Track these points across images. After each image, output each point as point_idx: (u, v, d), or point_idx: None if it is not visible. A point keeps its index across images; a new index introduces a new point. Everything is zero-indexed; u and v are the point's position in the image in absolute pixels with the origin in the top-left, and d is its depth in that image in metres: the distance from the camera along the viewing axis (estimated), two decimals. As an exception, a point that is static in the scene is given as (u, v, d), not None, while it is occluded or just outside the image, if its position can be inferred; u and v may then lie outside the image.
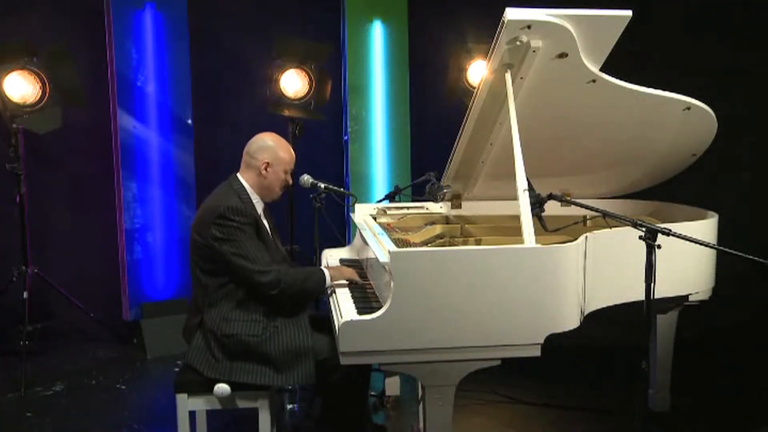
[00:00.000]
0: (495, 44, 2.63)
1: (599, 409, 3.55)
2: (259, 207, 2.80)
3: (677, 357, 3.39)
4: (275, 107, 4.72)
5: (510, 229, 3.01)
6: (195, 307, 2.74)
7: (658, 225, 2.33)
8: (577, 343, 4.01)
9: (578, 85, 2.87)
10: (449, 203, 3.61)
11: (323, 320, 2.86)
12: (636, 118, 3.14)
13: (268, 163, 2.76)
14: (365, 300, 2.68)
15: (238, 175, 2.80)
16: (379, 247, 2.66)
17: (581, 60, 2.73)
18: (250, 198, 2.75)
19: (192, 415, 2.71)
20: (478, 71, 5.02)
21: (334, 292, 2.76)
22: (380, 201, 3.98)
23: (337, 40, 5.30)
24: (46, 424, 3.52)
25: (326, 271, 2.78)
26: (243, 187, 2.76)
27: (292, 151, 2.85)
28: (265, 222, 2.84)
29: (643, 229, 2.28)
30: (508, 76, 2.72)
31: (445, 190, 3.24)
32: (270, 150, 2.78)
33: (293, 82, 4.71)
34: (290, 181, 2.86)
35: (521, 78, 2.78)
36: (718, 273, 3.23)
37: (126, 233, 4.63)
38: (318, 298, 3.26)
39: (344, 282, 2.86)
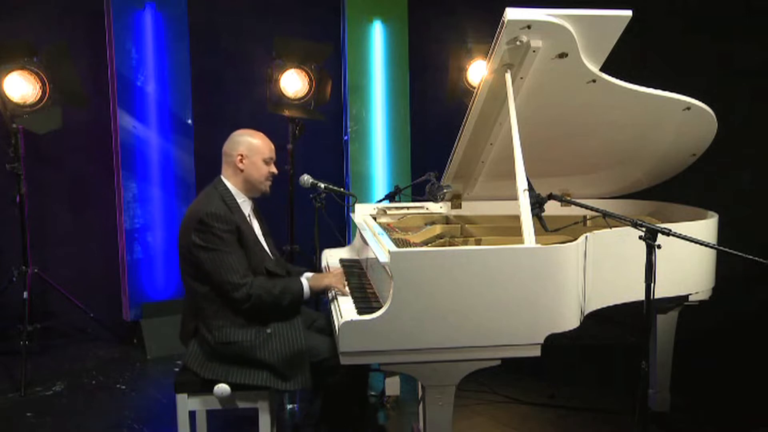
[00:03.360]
0: (495, 44, 2.63)
1: (599, 409, 3.55)
2: (246, 208, 2.76)
3: (677, 357, 3.39)
4: (275, 107, 4.72)
5: (510, 229, 3.01)
6: (188, 313, 2.72)
7: (658, 225, 2.33)
8: (577, 343, 4.04)
9: (578, 85, 2.88)
10: (449, 203, 3.61)
11: (321, 321, 2.86)
12: (636, 118, 3.14)
13: (242, 154, 2.72)
14: (365, 300, 2.68)
15: (222, 177, 2.76)
16: (379, 247, 2.65)
17: (581, 60, 2.73)
18: (234, 199, 2.71)
19: (192, 415, 2.71)
20: (478, 71, 5.03)
21: (335, 295, 2.75)
22: (380, 201, 3.98)
23: (337, 40, 5.30)
24: (46, 424, 3.52)
25: (305, 283, 2.71)
26: (227, 188, 2.72)
27: (267, 139, 2.79)
28: (254, 223, 2.80)
29: (643, 229, 2.28)
30: (508, 76, 2.72)
31: (445, 190, 3.24)
32: (242, 141, 2.74)
33: (293, 82, 4.71)
34: (275, 171, 2.80)
35: (521, 78, 2.78)
36: (718, 273, 3.23)
37: (126, 233, 4.63)
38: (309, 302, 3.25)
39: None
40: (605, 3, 2.64)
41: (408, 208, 3.65)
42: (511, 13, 2.52)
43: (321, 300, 3.28)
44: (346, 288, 2.79)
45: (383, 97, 5.31)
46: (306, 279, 2.75)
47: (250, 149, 2.73)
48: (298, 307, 2.74)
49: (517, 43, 2.62)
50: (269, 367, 2.58)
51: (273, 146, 2.81)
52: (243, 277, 2.57)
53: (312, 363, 2.62)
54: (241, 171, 2.73)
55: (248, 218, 2.76)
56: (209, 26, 5.14)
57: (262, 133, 2.81)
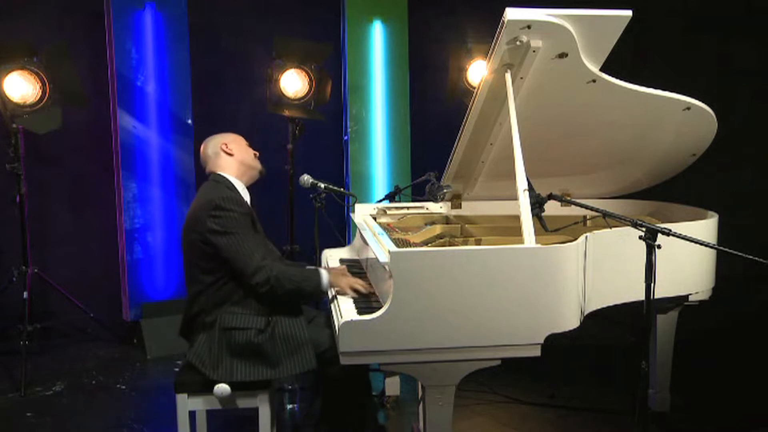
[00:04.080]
0: (495, 44, 2.63)
1: (599, 409, 3.55)
2: (246, 197, 2.80)
3: (677, 357, 3.39)
4: (275, 107, 4.72)
5: (510, 229, 3.01)
6: (194, 308, 2.72)
7: (658, 225, 2.33)
8: (577, 343, 4.03)
9: (578, 85, 2.88)
10: (449, 203, 3.61)
11: (321, 318, 2.86)
12: (636, 118, 3.14)
13: (225, 143, 2.81)
14: (365, 300, 2.68)
15: (215, 173, 2.80)
16: (379, 247, 2.65)
17: (581, 60, 2.73)
18: (236, 188, 2.75)
19: (192, 415, 2.71)
20: (478, 71, 5.03)
21: (336, 294, 2.75)
22: (380, 201, 3.98)
23: (337, 40, 5.30)
24: (46, 424, 3.52)
25: (324, 275, 2.71)
26: (227, 179, 2.76)
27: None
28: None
29: (643, 229, 2.28)
30: (508, 76, 2.72)
31: (445, 190, 3.24)
32: (216, 138, 2.85)
33: (293, 82, 4.71)
34: (257, 152, 2.90)
35: (521, 78, 2.78)
36: (718, 273, 3.23)
37: (126, 233, 4.63)
38: (316, 300, 3.25)
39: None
40: (605, 3, 2.64)
41: (408, 208, 3.65)
42: (511, 13, 2.52)
43: (321, 299, 3.28)
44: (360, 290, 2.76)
45: (383, 97, 5.31)
46: (325, 272, 2.74)
47: (227, 139, 2.84)
48: (317, 297, 2.75)
49: (517, 43, 2.62)
50: (273, 357, 2.58)
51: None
52: (262, 260, 2.59)
53: (315, 354, 2.62)
54: (232, 155, 2.80)
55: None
56: (209, 26, 5.14)
57: None
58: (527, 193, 2.50)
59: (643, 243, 2.27)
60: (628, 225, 2.36)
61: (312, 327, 2.72)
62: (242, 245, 2.58)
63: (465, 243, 3.03)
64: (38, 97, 4.16)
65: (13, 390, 3.93)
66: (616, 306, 2.77)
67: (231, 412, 2.69)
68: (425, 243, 3.05)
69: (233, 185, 2.75)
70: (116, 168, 4.62)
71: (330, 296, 2.74)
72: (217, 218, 2.58)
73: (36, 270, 4.37)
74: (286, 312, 2.67)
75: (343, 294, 2.74)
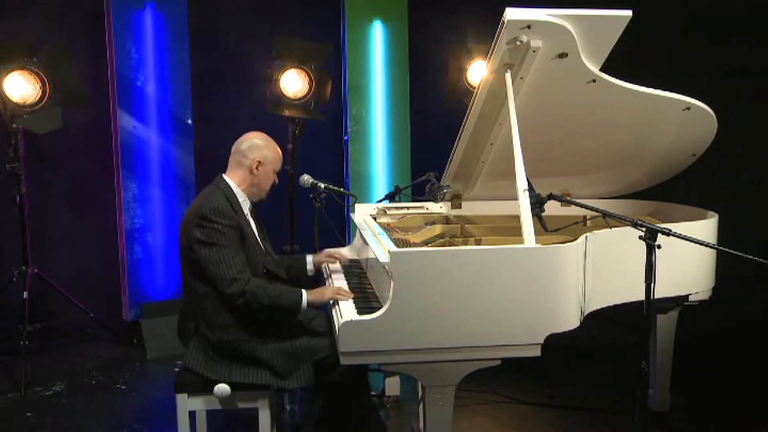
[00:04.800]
0: (495, 44, 2.63)
1: (599, 409, 3.55)
2: (246, 206, 2.78)
3: (677, 357, 3.39)
4: (275, 107, 4.72)
5: (510, 229, 3.01)
6: (187, 312, 2.72)
7: (658, 225, 2.33)
8: (577, 343, 4.03)
9: (578, 85, 2.88)
10: (449, 203, 3.61)
11: (320, 319, 2.86)
12: (636, 118, 3.14)
13: (259, 161, 2.75)
14: (365, 300, 2.68)
15: (224, 175, 2.77)
16: (379, 247, 2.65)
17: (581, 60, 2.73)
18: (236, 196, 2.72)
19: (192, 415, 2.71)
20: (478, 71, 5.02)
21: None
22: (380, 201, 3.98)
23: (337, 40, 5.30)
24: (46, 424, 3.52)
25: (304, 294, 2.64)
26: (229, 186, 2.74)
27: (279, 150, 2.84)
28: (252, 222, 2.81)
29: (643, 229, 2.28)
30: (508, 76, 2.72)
31: (445, 190, 3.24)
32: (261, 149, 2.76)
33: (293, 82, 4.70)
34: (277, 182, 2.85)
35: (521, 78, 2.78)
36: (718, 273, 3.23)
37: (126, 233, 4.63)
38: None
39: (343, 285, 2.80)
40: (605, 3, 2.64)
41: (408, 208, 3.65)
42: (511, 13, 2.52)
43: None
44: (350, 294, 2.72)
45: (383, 97, 5.31)
46: (306, 292, 2.68)
47: (267, 159, 2.77)
48: (293, 315, 2.68)
49: (517, 43, 2.62)
50: (270, 366, 2.59)
51: (282, 157, 2.86)
52: (239, 273, 2.57)
53: (313, 361, 2.62)
54: (255, 176, 2.75)
55: (247, 216, 2.77)
56: (209, 26, 5.14)
57: (275, 142, 2.84)
58: (527, 193, 2.50)
59: (643, 243, 2.27)
60: (628, 225, 2.36)
61: (311, 331, 2.72)
62: (221, 257, 2.56)
63: (465, 243, 3.03)
64: (38, 97, 4.16)
65: (13, 390, 3.93)
66: (616, 306, 2.77)
67: (231, 412, 2.69)
68: (425, 243, 3.05)
69: (233, 193, 2.72)
70: (116, 168, 4.62)
71: (330, 302, 2.74)
72: (201, 228, 2.58)
73: (36, 270, 4.37)
74: (280, 322, 2.66)
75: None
